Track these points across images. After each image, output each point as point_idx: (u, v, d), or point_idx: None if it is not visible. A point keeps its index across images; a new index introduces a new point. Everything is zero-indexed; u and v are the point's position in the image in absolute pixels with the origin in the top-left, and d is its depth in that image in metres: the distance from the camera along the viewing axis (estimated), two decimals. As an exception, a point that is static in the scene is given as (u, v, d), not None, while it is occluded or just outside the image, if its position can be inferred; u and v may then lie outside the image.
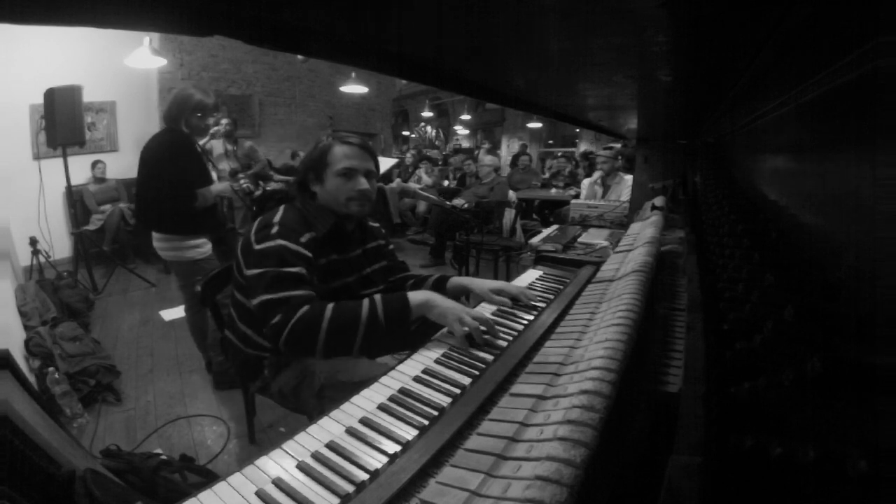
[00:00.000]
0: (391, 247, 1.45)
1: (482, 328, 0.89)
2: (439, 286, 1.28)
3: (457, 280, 1.27)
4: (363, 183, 1.18)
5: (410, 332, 1.03)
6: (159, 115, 5.22)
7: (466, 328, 0.89)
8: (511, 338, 0.89)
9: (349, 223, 1.23)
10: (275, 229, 1.07)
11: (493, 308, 1.07)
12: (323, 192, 1.19)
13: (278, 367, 1.18)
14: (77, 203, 4.00)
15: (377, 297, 1.01)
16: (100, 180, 4.51)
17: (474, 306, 1.09)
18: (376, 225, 1.42)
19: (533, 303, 1.08)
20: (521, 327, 0.95)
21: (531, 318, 0.99)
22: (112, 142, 4.85)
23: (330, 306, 0.97)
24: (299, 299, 0.99)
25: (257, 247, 1.07)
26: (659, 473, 0.42)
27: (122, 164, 4.67)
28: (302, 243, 1.07)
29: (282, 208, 1.16)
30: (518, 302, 1.08)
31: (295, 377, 1.12)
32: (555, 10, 0.44)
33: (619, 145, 3.69)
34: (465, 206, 3.72)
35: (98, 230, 4.23)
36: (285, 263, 1.03)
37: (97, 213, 4.35)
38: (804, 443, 0.29)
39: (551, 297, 1.12)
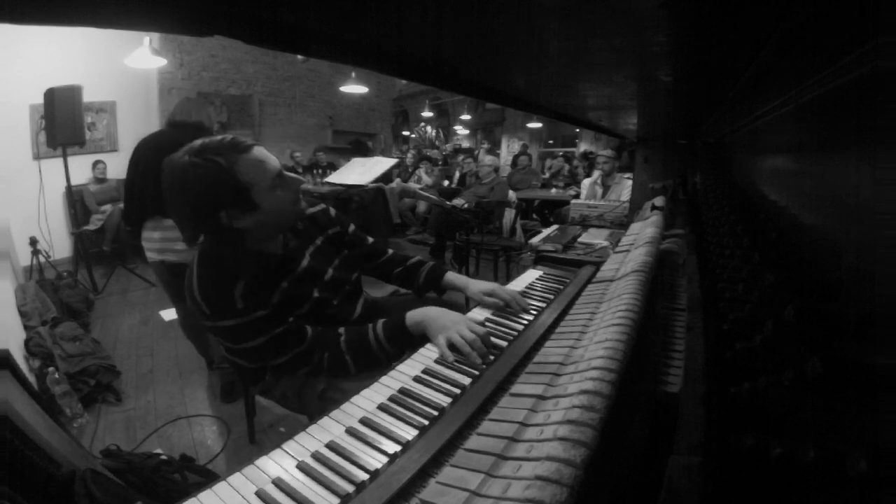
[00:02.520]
0: (352, 228, 1.24)
1: (467, 348, 0.83)
2: (434, 278, 1.23)
3: (453, 277, 1.21)
4: (295, 179, 0.98)
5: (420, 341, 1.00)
6: (159, 115, 5.23)
7: (444, 343, 0.85)
8: (511, 338, 0.89)
9: (275, 245, 1.03)
10: (205, 308, 0.90)
11: (489, 313, 1.03)
12: (261, 218, 0.93)
13: (281, 372, 1.16)
14: (77, 203, 4.01)
15: (379, 329, 0.99)
16: (100, 180, 4.52)
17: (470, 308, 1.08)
18: (320, 208, 1.19)
19: (525, 309, 1.03)
20: (521, 327, 0.95)
21: (531, 318, 0.99)
22: (112, 142, 4.85)
23: (345, 348, 0.98)
24: (307, 352, 0.97)
25: (205, 323, 0.93)
26: (659, 473, 0.42)
27: (123, 164, 4.66)
28: (242, 309, 0.89)
29: (194, 269, 0.92)
30: (508, 307, 1.03)
31: (298, 380, 1.09)
32: (555, 10, 0.44)
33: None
34: (465, 206, 3.72)
35: (98, 230, 4.23)
36: (249, 337, 0.93)
37: (97, 213, 4.35)
38: (804, 443, 0.29)
39: (551, 297, 1.12)
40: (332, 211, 1.22)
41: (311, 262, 1.08)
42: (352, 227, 1.24)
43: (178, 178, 0.90)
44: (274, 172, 0.94)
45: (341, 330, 1.01)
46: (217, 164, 0.88)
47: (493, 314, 1.03)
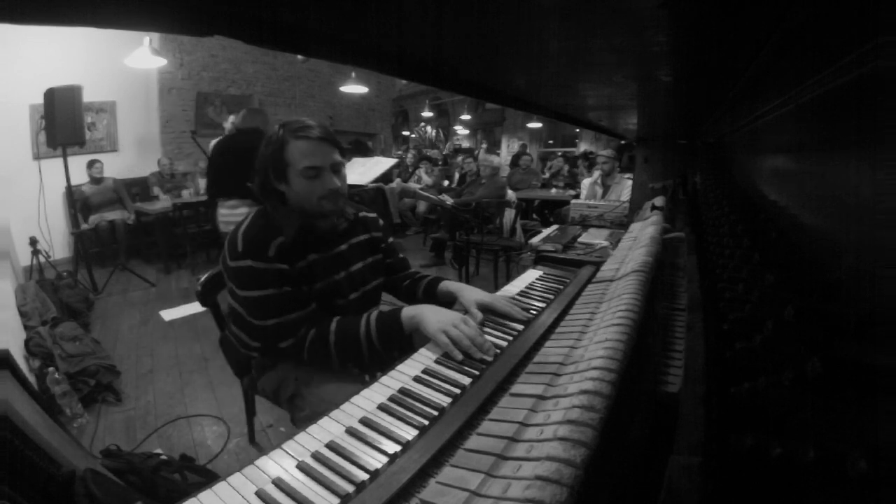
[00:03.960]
0: (391, 239, 1.37)
1: (467, 342, 0.83)
2: (431, 288, 1.26)
3: (447, 285, 1.23)
4: (332, 181, 1.08)
5: (411, 342, 1.01)
6: (159, 114, 5.24)
7: (448, 341, 0.84)
8: (510, 338, 0.89)
9: (325, 221, 1.15)
10: (241, 245, 1.02)
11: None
12: (290, 192, 1.09)
13: (263, 368, 1.20)
14: (77, 203, 4.00)
15: (373, 316, 1.01)
16: (97, 180, 4.36)
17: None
18: (372, 216, 1.33)
19: (523, 315, 0.99)
20: (521, 327, 0.95)
21: (531, 317, 0.99)
22: (112, 142, 4.86)
23: (333, 328, 1.01)
24: (297, 322, 1.02)
25: (230, 263, 1.04)
26: (659, 473, 0.42)
27: (123, 164, 4.69)
28: (271, 257, 1.01)
29: (250, 216, 1.09)
30: (508, 318, 0.99)
31: (276, 380, 1.14)
32: (555, 10, 0.44)
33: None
34: (450, 202, 3.66)
35: (93, 229, 4.19)
36: (262, 285, 1.01)
37: (84, 223, 4.14)
38: (804, 443, 0.29)
39: (551, 297, 1.12)
40: (381, 222, 1.36)
41: (348, 251, 1.20)
42: (391, 239, 1.37)
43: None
44: (307, 165, 1.05)
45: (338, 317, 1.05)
46: (278, 135, 1.07)
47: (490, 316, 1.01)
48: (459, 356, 0.81)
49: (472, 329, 0.86)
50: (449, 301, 1.19)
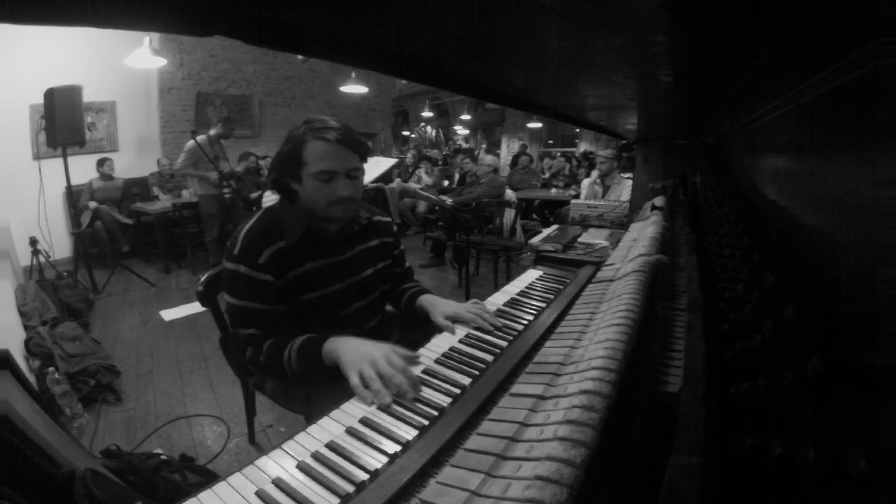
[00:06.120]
0: (402, 247, 1.32)
1: (377, 385, 0.72)
2: (411, 302, 1.20)
3: (423, 300, 1.16)
4: (345, 187, 1.03)
5: (330, 371, 0.89)
6: (159, 114, 5.24)
7: (358, 382, 0.74)
8: (510, 338, 0.89)
9: (334, 225, 1.10)
10: (237, 247, 1.00)
11: (462, 334, 0.93)
12: (302, 192, 1.05)
13: (236, 345, 1.14)
14: (77, 203, 3.99)
15: (297, 342, 0.95)
16: (107, 177, 4.36)
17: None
18: (386, 220, 1.29)
19: (495, 325, 0.95)
20: (521, 327, 0.95)
21: (531, 318, 0.99)
22: (112, 142, 4.85)
23: (268, 347, 0.97)
24: (260, 337, 0.99)
25: (226, 263, 1.02)
26: (659, 473, 0.42)
27: (123, 164, 4.68)
28: (261, 264, 0.99)
29: (258, 214, 1.07)
30: (479, 328, 0.95)
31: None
32: (555, 10, 0.44)
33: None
34: (449, 203, 3.67)
35: (89, 227, 4.17)
36: (245, 294, 0.99)
37: (85, 209, 4.17)
38: (804, 443, 0.29)
39: (551, 297, 1.12)
40: (395, 227, 1.31)
41: (354, 257, 1.16)
42: (402, 246, 1.33)
43: None
44: (321, 168, 1.01)
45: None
46: (299, 133, 1.03)
47: (472, 329, 0.96)
48: (368, 399, 0.71)
49: (390, 369, 0.75)
50: (424, 316, 1.12)
